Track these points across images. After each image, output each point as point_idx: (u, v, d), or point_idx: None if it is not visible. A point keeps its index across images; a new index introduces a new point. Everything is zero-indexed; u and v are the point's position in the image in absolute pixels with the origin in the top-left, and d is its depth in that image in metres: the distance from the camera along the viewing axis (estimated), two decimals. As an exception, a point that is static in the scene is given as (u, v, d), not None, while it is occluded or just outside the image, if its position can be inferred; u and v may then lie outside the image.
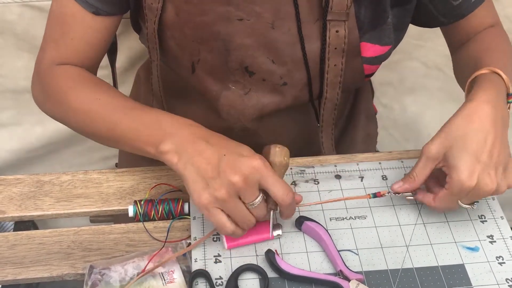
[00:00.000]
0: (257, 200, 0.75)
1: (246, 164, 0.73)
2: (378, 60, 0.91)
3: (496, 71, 0.82)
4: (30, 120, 1.47)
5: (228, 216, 0.75)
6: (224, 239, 0.81)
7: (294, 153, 0.85)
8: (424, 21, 0.94)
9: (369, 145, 1.19)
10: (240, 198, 0.74)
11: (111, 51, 1.23)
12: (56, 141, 1.51)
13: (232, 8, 0.84)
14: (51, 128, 1.48)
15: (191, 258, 0.81)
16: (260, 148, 0.80)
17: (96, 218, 1.16)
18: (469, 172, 0.75)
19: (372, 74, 0.95)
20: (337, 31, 0.85)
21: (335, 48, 0.86)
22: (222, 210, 0.74)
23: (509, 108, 0.85)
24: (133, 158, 1.13)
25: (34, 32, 1.31)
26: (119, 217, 0.92)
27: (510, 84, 0.83)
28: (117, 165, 1.27)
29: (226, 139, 0.78)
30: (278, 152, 0.77)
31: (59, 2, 0.89)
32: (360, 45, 0.88)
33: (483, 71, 0.83)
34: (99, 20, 0.89)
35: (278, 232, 0.82)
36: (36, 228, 1.52)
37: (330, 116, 0.96)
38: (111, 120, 0.83)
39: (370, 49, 0.89)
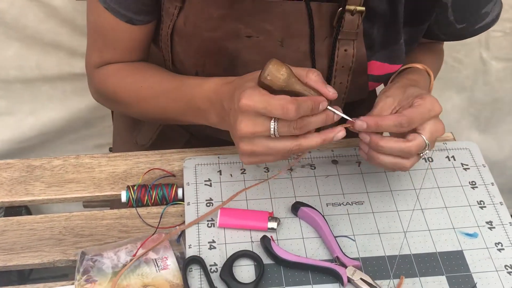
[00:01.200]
0: (272, 129, 0.71)
1: (238, 111, 0.71)
2: (384, 78, 0.90)
3: (429, 73, 0.89)
4: (22, 110, 1.45)
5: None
6: (218, 216, 0.80)
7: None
8: (425, 36, 0.93)
9: None
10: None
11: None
12: (49, 131, 1.49)
13: (241, 25, 0.82)
14: (44, 118, 1.46)
15: (185, 244, 0.79)
16: None
17: (89, 204, 1.14)
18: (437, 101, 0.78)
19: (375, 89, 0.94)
20: (345, 50, 0.84)
21: (342, 67, 0.85)
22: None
23: None
24: (128, 143, 1.12)
25: (24, 21, 1.28)
26: (115, 202, 0.91)
27: (432, 86, 0.89)
28: (111, 150, 1.26)
29: (234, 87, 0.75)
30: (265, 71, 0.71)
31: (95, 13, 0.88)
32: (368, 64, 0.87)
33: (419, 66, 0.89)
34: (136, 28, 0.88)
35: (273, 225, 0.80)
36: (29, 214, 1.51)
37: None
38: (160, 105, 0.89)
39: (379, 68, 0.88)
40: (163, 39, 0.88)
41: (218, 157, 0.90)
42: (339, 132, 0.73)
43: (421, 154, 0.77)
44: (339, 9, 0.80)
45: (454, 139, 0.96)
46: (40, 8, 1.29)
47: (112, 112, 1.24)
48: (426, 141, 0.76)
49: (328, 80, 0.87)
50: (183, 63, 0.89)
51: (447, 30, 0.90)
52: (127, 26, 0.87)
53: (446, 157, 0.91)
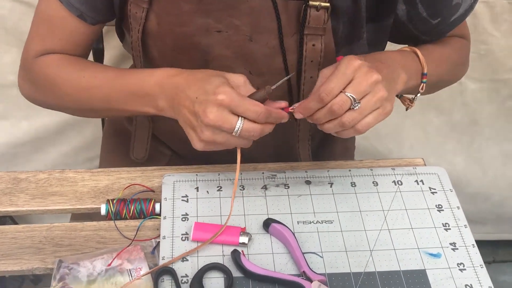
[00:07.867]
0: (237, 127, 0.77)
1: (213, 102, 0.76)
2: None
3: (415, 50, 0.90)
4: (17, 115, 1.48)
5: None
6: (192, 231, 0.84)
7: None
8: (408, 40, 0.97)
9: (347, 158, 1.21)
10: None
11: (98, 57, 1.25)
12: (43, 137, 1.52)
13: (211, 20, 0.87)
14: (38, 123, 1.49)
15: (159, 256, 0.82)
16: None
17: (77, 216, 1.17)
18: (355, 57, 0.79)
19: None
20: (313, 45, 0.87)
21: (311, 61, 0.89)
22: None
23: (422, 88, 0.92)
24: (114, 160, 1.15)
25: (23, 28, 1.33)
26: (96, 216, 0.93)
27: (425, 64, 0.90)
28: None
29: (198, 78, 0.81)
30: None
31: (46, 2, 0.92)
32: (336, 59, 0.90)
33: (405, 48, 0.92)
34: (84, 25, 0.92)
35: (244, 240, 0.84)
36: (15, 223, 1.53)
37: (306, 127, 0.99)
38: (102, 94, 0.89)
39: None
40: (133, 46, 0.91)
41: (196, 174, 0.94)
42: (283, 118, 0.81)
43: (352, 107, 0.77)
44: (304, 5, 0.84)
45: (425, 165, 1.00)
46: None
47: (103, 124, 1.28)
48: (349, 95, 0.76)
49: (298, 74, 0.91)
50: (159, 67, 0.91)
51: (425, 28, 0.93)
52: (77, 21, 0.91)
53: (415, 181, 0.95)
